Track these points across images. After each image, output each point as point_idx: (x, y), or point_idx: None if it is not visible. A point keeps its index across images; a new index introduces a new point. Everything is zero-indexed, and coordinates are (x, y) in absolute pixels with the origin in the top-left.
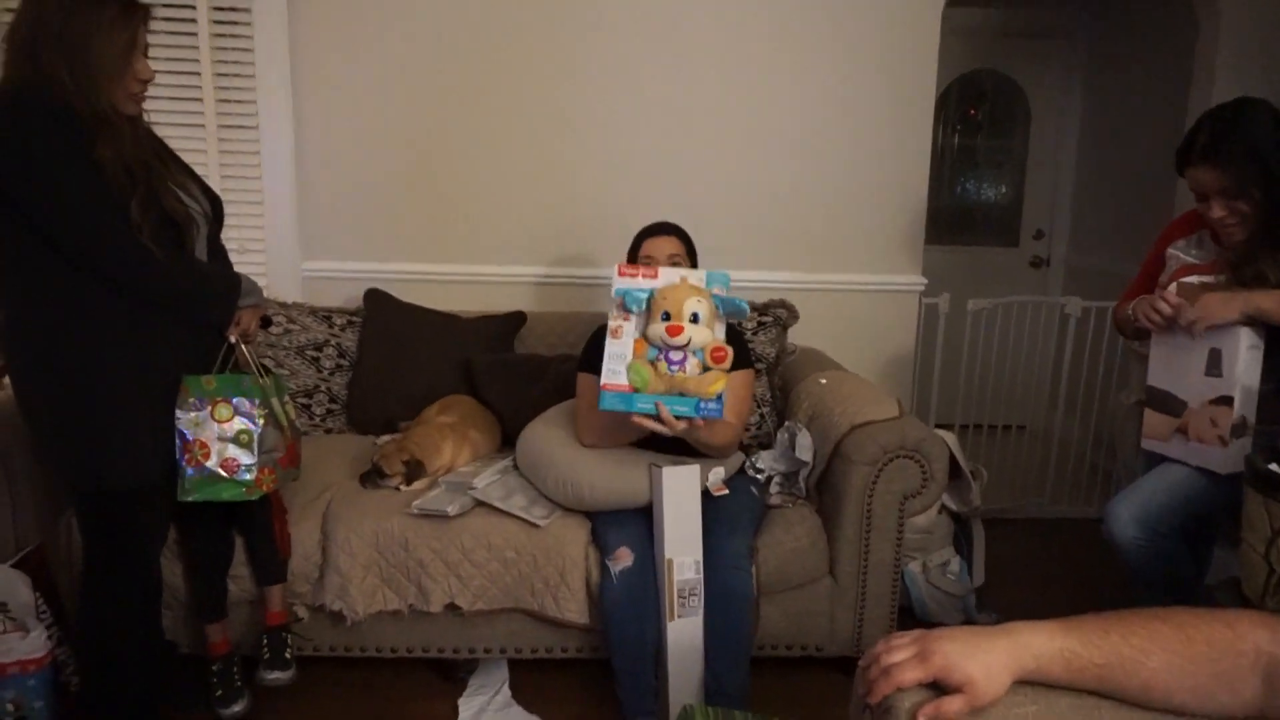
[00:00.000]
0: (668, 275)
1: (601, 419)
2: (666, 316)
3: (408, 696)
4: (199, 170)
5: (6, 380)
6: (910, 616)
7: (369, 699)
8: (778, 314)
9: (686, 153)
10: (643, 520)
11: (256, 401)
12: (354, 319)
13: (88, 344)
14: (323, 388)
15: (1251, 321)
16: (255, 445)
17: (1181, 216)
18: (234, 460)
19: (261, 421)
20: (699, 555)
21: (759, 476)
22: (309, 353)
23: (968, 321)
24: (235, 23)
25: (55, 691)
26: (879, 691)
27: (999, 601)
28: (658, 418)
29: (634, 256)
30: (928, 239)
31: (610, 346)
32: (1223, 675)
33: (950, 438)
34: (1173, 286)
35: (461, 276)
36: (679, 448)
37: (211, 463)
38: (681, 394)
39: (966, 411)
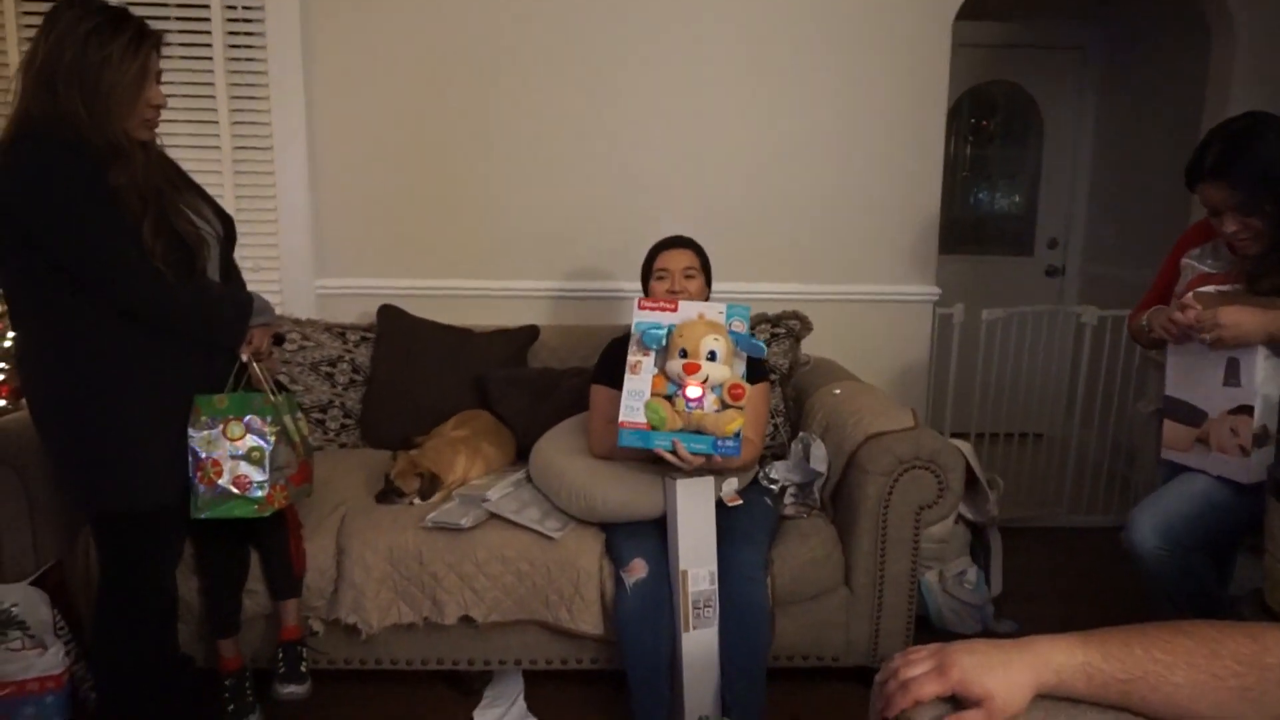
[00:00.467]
0: (687, 310)
1: (611, 435)
2: (684, 354)
3: (423, 709)
4: (214, 191)
5: (23, 400)
6: (927, 626)
7: (384, 712)
8: (791, 325)
9: (700, 166)
10: (657, 532)
11: (268, 419)
12: (368, 335)
13: (102, 369)
14: (337, 403)
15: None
16: (267, 462)
17: (1196, 225)
18: (246, 478)
19: (273, 439)
20: (714, 567)
21: (773, 487)
22: (323, 368)
23: (982, 331)
24: (250, 45)
25: (73, 708)
26: (897, 705)
27: (1017, 611)
28: (674, 453)
29: (648, 270)
30: (941, 249)
31: (629, 382)
32: (1249, 690)
33: (966, 447)
34: (1189, 296)
35: (475, 291)
36: None
37: (224, 480)
38: (699, 431)
39: (982, 420)
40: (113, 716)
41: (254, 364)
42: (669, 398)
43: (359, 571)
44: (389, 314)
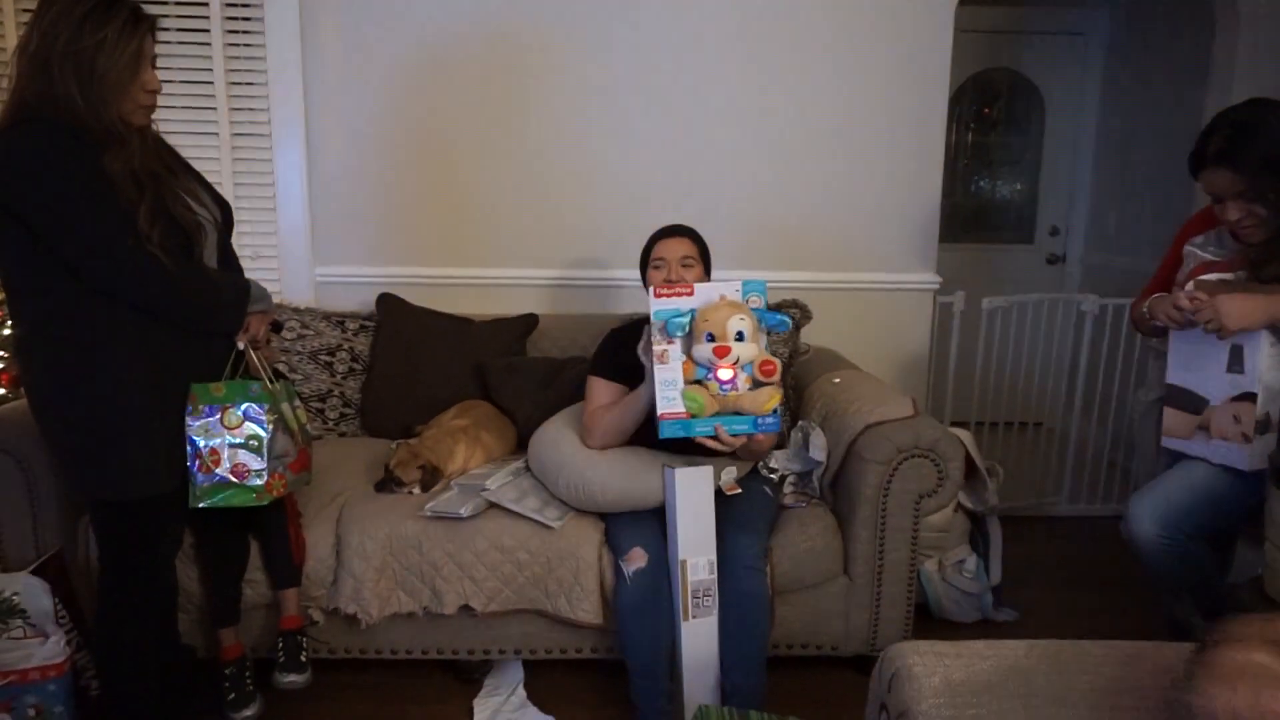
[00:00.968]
0: (704, 292)
1: (605, 422)
2: (711, 338)
3: (423, 698)
4: (212, 178)
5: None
6: (926, 615)
7: (384, 701)
8: (791, 313)
9: (699, 154)
10: (656, 521)
11: (266, 407)
12: (367, 323)
13: (100, 356)
14: (336, 392)
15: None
16: (265, 451)
17: (1199, 213)
18: (244, 466)
19: (271, 427)
20: (713, 556)
21: (772, 476)
22: (322, 357)
23: (983, 320)
24: (248, 32)
25: (75, 696)
26: None
27: (1016, 600)
28: (715, 438)
29: (646, 259)
30: (942, 237)
31: (660, 373)
32: None
33: (966, 436)
34: (1190, 284)
35: (474, 280)
36: (691, 448)
37: (222, 469)
38: (736, 412)
39: (982, 409)
40: (114, 705)
41: (251, 352)
42: (699, 382)
43: (358, 561)
44: (388, 302)
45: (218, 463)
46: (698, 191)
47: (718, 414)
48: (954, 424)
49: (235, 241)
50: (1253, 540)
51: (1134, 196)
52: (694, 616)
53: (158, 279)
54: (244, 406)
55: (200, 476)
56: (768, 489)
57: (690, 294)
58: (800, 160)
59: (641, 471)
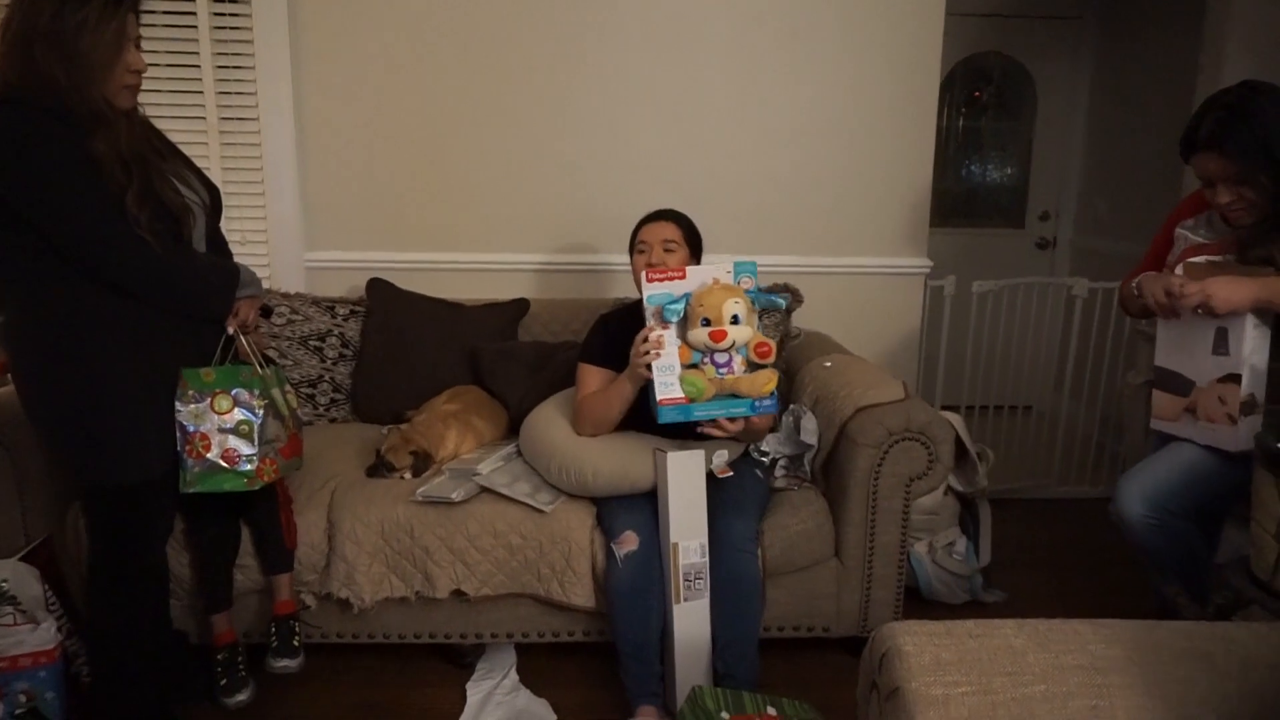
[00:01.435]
0: (696, 275)
1: (597, 410)
2: (707, 322)
3: (416, 682)
4: (200, 163)
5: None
6: (917, 597)
7: (377, 685)
8: (783, 297)
9: (689, 138)
10: (648, 504)
11: (256, 392)
12: (357, 309)
13: (89, 341)
14: (326, 377)
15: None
16: (256, 436)
17: (1191, 196)
18: (234, 451)
19: (261, 412)
20: (704, 539)
21: (764, 460)
22: (312, 342)
23: (973, 304)
24: (235, 14)
25: (66, 683)
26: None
27: (1006, 581)
28: (714, 423)
29: (632, 244)
30: (933, 222)
31: (656, 360)
32: None
33: (956, 419)
34: (1180, 267)
35: (464, 265)
36: (683, 431)
37: (213, 454)
38: (734, 395)
39: (973, 393)
40: (106, 691)
41: (241, 337)
42: (695, 366)
43: (350, 546)
44: (378, 287)
45: (208, 448)
46: (689, 176)
47: (716, 397)
48: (944, 408)
49: (224, 227)
50: (1240, 521)
51: (1124, 181)
52: (686, 599)
53: (147, 263)
54: (234, 391)
55: (191, 462)
56: (759, 472)
57: (682, 278)
58: (792, 144)
59: (633, 455)
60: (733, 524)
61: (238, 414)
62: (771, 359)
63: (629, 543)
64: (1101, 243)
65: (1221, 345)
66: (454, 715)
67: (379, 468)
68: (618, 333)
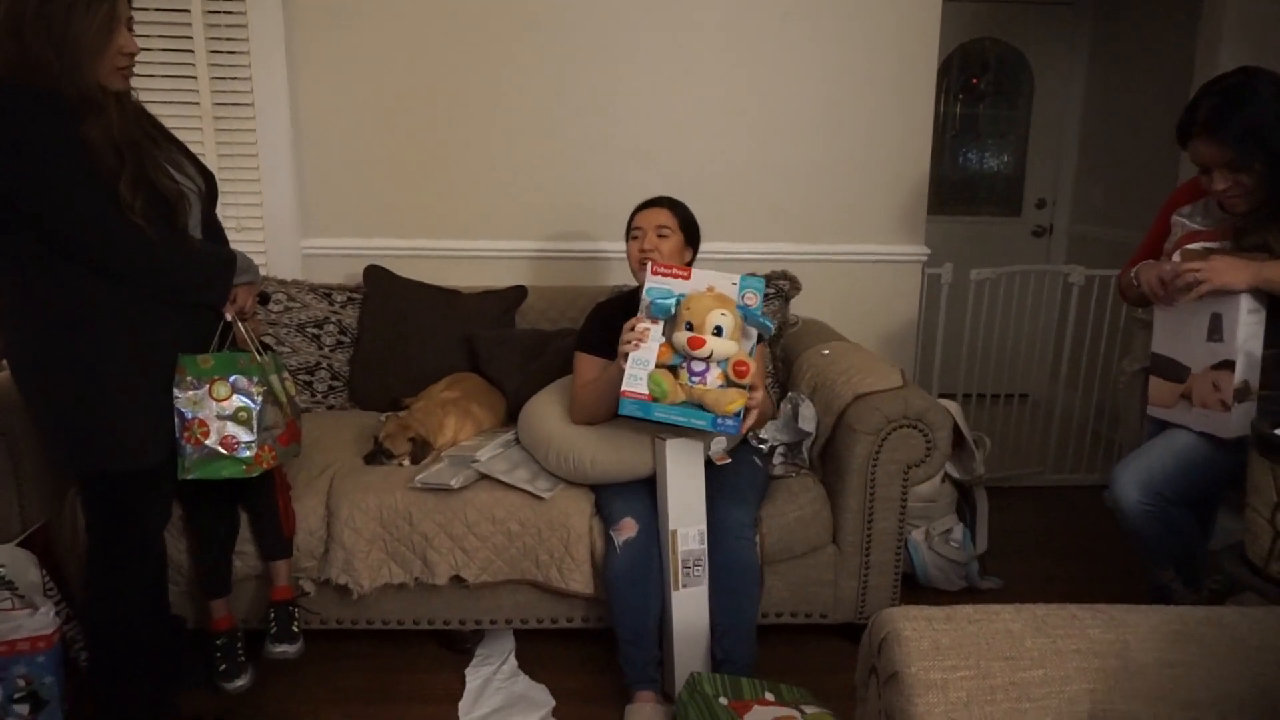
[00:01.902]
0: (700, 278)
1: (589, 398)
2: (690, 326)
3: (414, 668)
4: (195, 149)
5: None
6: (913, 583)
7: (376, 671)
8: (780, 285)
9: (687, 125)
10: (647, 491)
11: (254, 379)
12: (354, 296)
13: (85, 328)
14: (324, 364)
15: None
16: (254, 423)
17: (1186, 184)
18: (233, 438)
19: (260, 399)
20: (703, 526)
21: (762, 447)
22: (310, 330)
23: (970, 291)
24: None
25: (65, 668)
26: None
27: (1002, 568)
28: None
29: (628, 231)
30: (930, 209)
31: (634, 351)
32: None
33: (954, 407)
34: (1177, 254)
35: (462, 252)
36: None
37: (211, 441)
38: (700, 406)
39: (970, 381)
40: (104, 677)
41: (239, 323)
42: (673, 368)
43: (349, 532)
44: (375, 275)
45: (206, 434)
46: (686, 163)
47: (682, 404)
48: (941, 395)
49: (220, 214)
50: (1235, 507)
51: (1121, 168)
52: (684, 586)
53: (141, 249)
54: (232, 378)
55: (189, 448)
56: (757, 459)
57: (687, 278)
58: (789, 132)
59: (630, 443)
60: (731, 511)
61: (236, 401)
62: (748, 380)
63: (628, 529)
64: (1098, 230)
65: (1216, 332)
66: (453, 700)
67: (377, 455)
68: (614, 321)
